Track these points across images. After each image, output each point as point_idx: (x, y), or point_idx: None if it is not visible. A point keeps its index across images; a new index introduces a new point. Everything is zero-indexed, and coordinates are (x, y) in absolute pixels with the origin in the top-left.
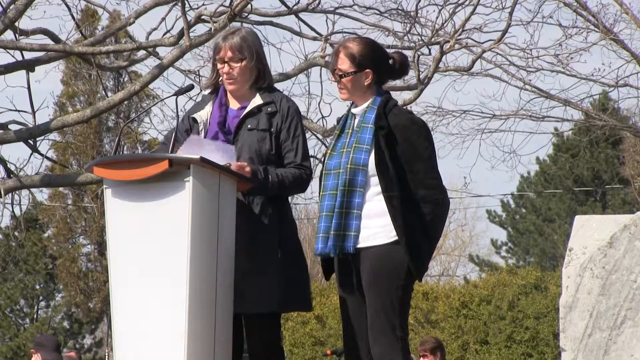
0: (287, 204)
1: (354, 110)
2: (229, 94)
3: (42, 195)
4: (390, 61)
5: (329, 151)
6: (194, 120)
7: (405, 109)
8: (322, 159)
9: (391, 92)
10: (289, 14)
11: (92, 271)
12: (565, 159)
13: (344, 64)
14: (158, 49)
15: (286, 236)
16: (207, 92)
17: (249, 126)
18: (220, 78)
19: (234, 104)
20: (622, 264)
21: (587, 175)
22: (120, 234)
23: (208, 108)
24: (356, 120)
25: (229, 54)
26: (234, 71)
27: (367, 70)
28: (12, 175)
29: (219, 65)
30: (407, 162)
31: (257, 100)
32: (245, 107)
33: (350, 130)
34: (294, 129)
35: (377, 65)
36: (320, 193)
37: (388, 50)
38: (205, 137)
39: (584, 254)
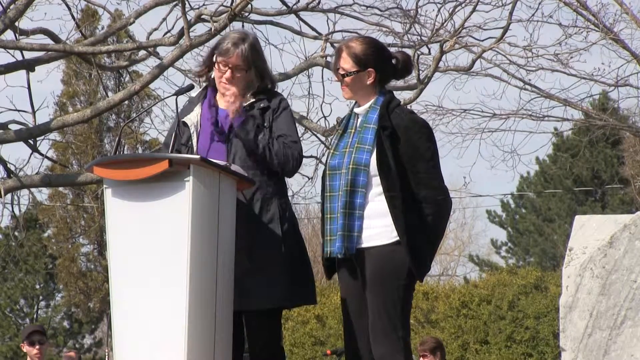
0: (287, 201)
1: (356, 110)
2: (218, 94)
3: (42, 195)
4: (394, 61)
5: (331, 151)
6: (185, 124)
7: (407, 109)
8: (325, 159)
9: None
10: (289, 14)
11: (91, 271)
12: (565, 159)
13: (347, 64)
14: (158, 49)
15: (288, 233)
16: (194, 94)
17: None
18: (212, 73)
19: (223, 104)
20: (622, 264)
21: (587, 175)
22: (120, 234)
23: (197, 110)
24: (359, 120)
25: (236, 61)
26: (234, 79)
27: (370, 69)
28: (12, 175)
29: (222, 67)
30: (409, 163)
31: (248, 97)
32: None
33: (352, 130)
34: (283, 119)
35: (379, 65)
36: (326, 194)
37: (389, 49)
38: (198, 139)
39: (584, 254)
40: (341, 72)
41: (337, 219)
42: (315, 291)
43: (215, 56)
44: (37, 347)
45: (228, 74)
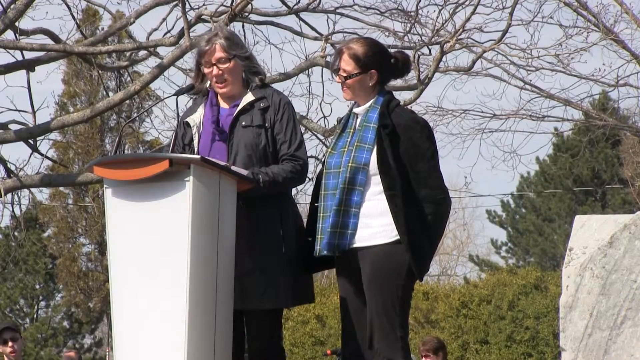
0: (290, 200)
1: (356, 110)
2: (219, 95)
3: (43, 195)
4: (393, 60)
5: (329, 150)
6: (187, 124)
7: (407, 108)
8: (323, 159)
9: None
10: (289, 14)
11: (92, 271)
12: (565, 159)
13: (349, 65)
14: (159, 49)
15: (289, 233)
16: (196, 96)
17: (243, 123)
18: (208, 82)
19: (225, 103)
20: (622, 264)
21: (587, 175)
22: (120, 233)
23: (200, 111)
24: (358, 120)
25: (217, 55)
26: (224, 73)
27: (372, 71)
28: (12, 175)
29: (206, 69)
30: (409, 162)
31: (249, 97)
32: (237, 105)
33: (352, 130)
34: (286, 121)
35: (381, 66)
36: (321, 192)
37: (389, 49)
38: (199, 139)
39: (584, 254)
40: (343, 74)
41: (329, 217)
42: (313, 289)
43: (200, 62)
44: (11, 344)
45: (215, 70)
